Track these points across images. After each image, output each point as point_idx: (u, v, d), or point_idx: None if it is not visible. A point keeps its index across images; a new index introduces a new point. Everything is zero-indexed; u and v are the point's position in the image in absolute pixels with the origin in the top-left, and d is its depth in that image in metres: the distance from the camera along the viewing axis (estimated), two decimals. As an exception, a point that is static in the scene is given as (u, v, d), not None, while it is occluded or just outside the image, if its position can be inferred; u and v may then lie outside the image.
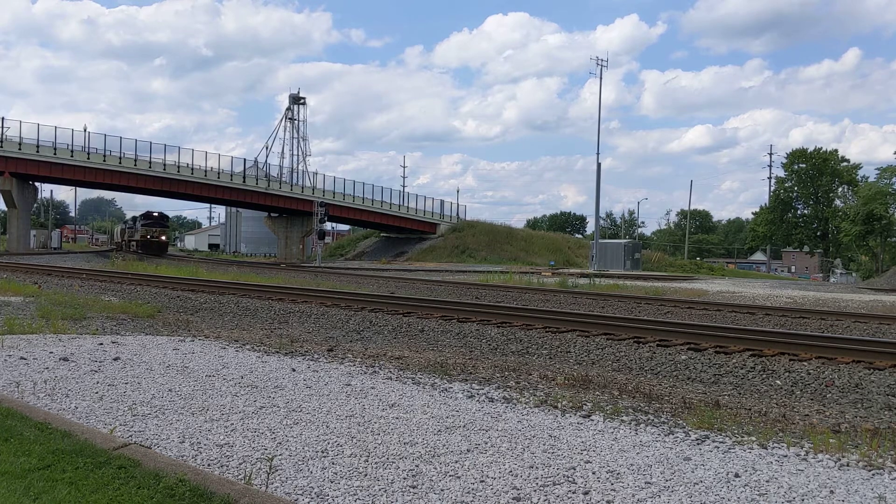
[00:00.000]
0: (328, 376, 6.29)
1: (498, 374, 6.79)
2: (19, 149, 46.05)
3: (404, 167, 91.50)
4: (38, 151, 46.65)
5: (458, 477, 3.60)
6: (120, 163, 50.22)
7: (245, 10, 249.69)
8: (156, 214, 57.89)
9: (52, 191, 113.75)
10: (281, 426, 4.50)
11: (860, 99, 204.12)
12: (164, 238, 57.36)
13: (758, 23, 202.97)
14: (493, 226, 62.47)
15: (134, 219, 64.91)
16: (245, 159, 57.93)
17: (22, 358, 6.61)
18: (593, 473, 3.72)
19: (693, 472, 3.79)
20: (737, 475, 3.74)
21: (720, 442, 4.44)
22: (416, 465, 3.76)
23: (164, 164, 52.09)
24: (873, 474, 3.84)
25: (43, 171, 48.14)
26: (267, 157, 63.89)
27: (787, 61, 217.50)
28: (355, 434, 4.35)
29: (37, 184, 55.16)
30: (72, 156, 48.01)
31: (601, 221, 53.75)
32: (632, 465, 3.89)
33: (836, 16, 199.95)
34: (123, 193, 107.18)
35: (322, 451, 3.97)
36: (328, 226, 65.29)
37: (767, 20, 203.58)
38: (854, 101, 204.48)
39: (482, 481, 3.55)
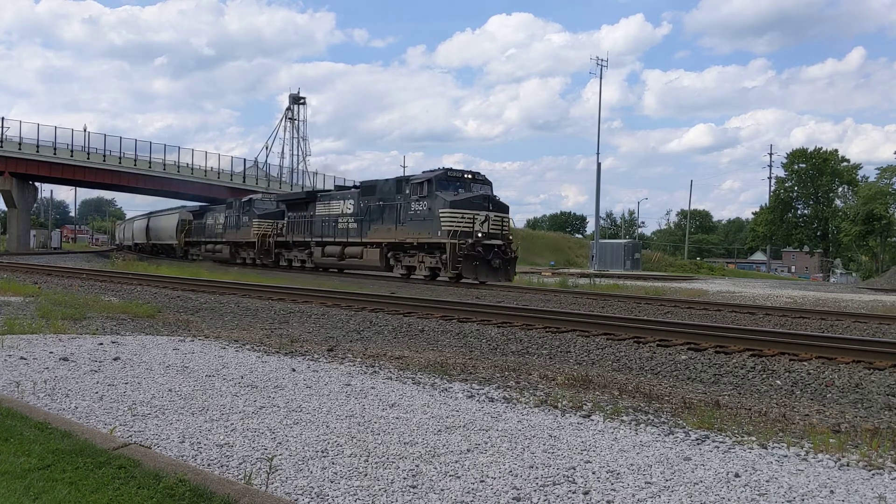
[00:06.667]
0: (328, 376, 6.29)
1: (498, 374, 6.79)
2: (19, 149, 46.12)
3: (404, 167, 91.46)
4: (38, 151, 46.72)
5: (458, 477, 3.60)
6: (120, 163, 50.28)
7: (249, 10, 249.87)
8: (468, 176, 23.60)
9: (52, 191, 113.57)
10: (281, 426, 4.50)
11: (863, 98, 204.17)
12: (511, 237, 23.40)
13: (761, 22, 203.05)
14: (494, 226, 62.07)
15: (342, 188, 31.10)
16: (245, 159, 57.99)
17: (22, 358, 6.61)
18: (593, 473, 3.72)
19: (693, 472, 3.79)
20: (737, 475, 3.74)
21: (720, 442, 4.44)
22: (416, 465, 3.76)
23: (164, 164, 52.13)
24: (873, 474, 3.84)
25: (43, 171, 48.19)
26: (267, 156, 63.76)
27: (790, 61, 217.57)
28: (355, 434, 4.35)
29: (37, 184, 55.18)
30: (72, 156, 48.05)
31: (601, 221, 53.76)
32: (632, 464, 3.89)
33: (841, 15, 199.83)
34: (123, 193, 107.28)
35: (322, 451, 3.97)
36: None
37: (771, 20, 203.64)
38: (857, 100, 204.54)
39: (482, 481, 3.55)
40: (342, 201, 27.95)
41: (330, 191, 31.63)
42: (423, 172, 24.26)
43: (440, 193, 22.60)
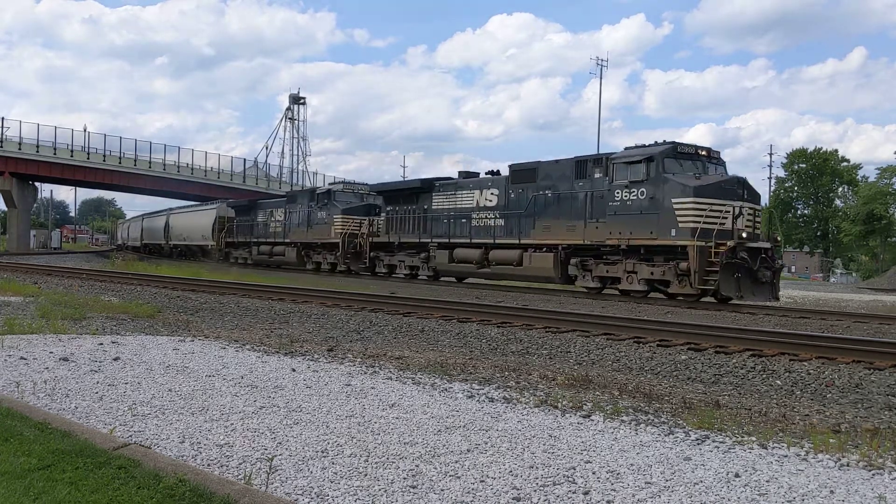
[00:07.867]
0: (328, 376, 6.29)
1: (498, 374, 6.79)
2: (19, 149, 46.17)
3: (404, 167, 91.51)
4: (38, 151, 46.76)
5: (458, 477, 3.60)
6: (120, 163, 50.30)
7: (249, 10, 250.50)
8: (703, 153, 17.02)
9: (52, 191, 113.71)
10: (281, 426, 4.49)
11: (864, 98, 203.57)
12: (778, 238, 18.42)
13: (762, 22, 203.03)
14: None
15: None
16: (245, 159, 58.03)
17: (22, 358, 6.60)
18: (593, 473, 3.72)
19: (693, 472, 3.79)
20: (737, 475, 3.74)
21: (720, 442, 4.44)
22: (416, 465, 3.76)
23: (164, 164, 52.15)
24: (873, 474, 3.84)
25: (43, 171, 48.23)
26: (267, 156, 63.69)
27: (791, 61, 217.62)
28: (355, 434, 4.35)
29: (37, 184, 55.21)
30: (72, 156, 48.09)
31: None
32: (632, 465, 3.89)
33: (842, 15, 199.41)
34: (123, 193, 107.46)
35: (322, 451, 3.97)
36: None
37: (772, 19, 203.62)
38: (858, 100, 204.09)
39: (482, 481, 3.55)
40: (478, 191, 21.68)
41: (453, 179, 23.94)
42: (628, 149, 17.64)
43: (672, 177, 16.09)
